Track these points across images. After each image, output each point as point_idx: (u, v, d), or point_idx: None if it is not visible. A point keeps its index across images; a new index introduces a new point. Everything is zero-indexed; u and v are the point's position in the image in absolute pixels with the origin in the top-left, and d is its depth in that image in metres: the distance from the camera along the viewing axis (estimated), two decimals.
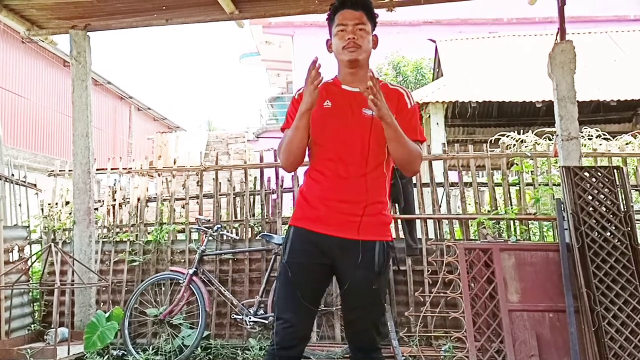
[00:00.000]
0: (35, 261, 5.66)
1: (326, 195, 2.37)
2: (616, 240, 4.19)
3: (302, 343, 2.42)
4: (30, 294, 5.60)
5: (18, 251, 5.47)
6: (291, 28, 17.71)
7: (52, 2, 4.82)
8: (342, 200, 2.35)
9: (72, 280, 5.44)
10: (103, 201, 6.26)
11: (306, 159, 2.50)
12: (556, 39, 4.75)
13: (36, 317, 5.59)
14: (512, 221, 5.28)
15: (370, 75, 2.24)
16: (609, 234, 4.23)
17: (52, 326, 5.20)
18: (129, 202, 6.11)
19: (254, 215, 5.89)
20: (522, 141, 6.78)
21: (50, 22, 5.30)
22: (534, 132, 6.87)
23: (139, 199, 5.97)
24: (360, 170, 2.36)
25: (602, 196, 4.34)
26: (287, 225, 2.52)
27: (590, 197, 4.34)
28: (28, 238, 5.71)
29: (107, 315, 4.76)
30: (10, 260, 5.31)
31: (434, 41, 11.36)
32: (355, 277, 2.36)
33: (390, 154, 2.38)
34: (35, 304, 5.66)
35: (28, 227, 5.80)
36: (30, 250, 5.74)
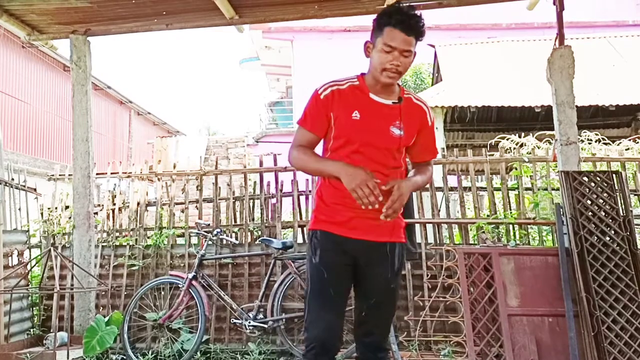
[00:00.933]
0: (34, 265, 5.66)
1: (346, 201, 2.37)
2: (615, 245, 4.20)
3: (339, 343, 2.47)
4: (30, 298, 5.59)
5: (17, 255, 5.47)
6: (291, 33, 17.73)
7: (53, 7, 4.84)
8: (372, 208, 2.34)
9: (72, 285, 5.44)
10: (103, 205, 6.26)
11: None
12: (555, 44, 4.77)
13: (35, 321, 5.58)
14: (511, 226, 5.28)
15: (402, 93, 2.45)
16: (608, 238, 4.23)
17: (51, 330, 5.20)
18: (128, 206, 6.11)
19: (253, 219, 5.89)
20: (521, 145, 6.79)
21: (51, 27, 5.32)
22: (535, 136, 6.88)
23: (138, 204, 5.97)
24: (382, 182, 2.32)
25: (601, 201, 4.34)
26: (310, 230, 2.53)
27: (589, 202, 4.35)
28: (27, 242, 5.71)
29: (106, 319, 4.76)
30: (10, 264, 5.31)
31: (433, 46, 11.37)
32: (376, 276, 2.44)
33: None
34: (34, 308, 5.65)
35: (27, 231, 5.80)
36: (30, 255, 5.74)
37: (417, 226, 5.32)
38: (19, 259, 5.47)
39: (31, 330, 5.44)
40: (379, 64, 2.34)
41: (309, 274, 2.50)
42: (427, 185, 5.48)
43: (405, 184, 2.31)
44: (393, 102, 2.43)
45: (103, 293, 5.54)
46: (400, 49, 2.31)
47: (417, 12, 2.35)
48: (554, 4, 4.78)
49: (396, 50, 2.31)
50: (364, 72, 2.50)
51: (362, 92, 2.44)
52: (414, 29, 2.32)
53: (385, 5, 4.76)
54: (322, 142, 2.54)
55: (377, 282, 2.46)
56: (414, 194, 5.37)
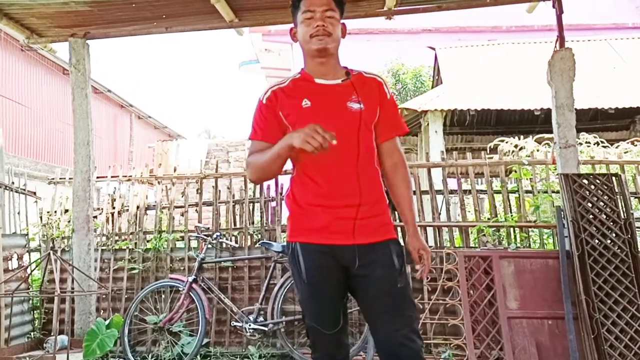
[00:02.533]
0: (34, 269, 5.66)
1: (326, 202, 2.19)
2: (616, 248, 4.20)
3: (347, 352, 2.36)
4: (30, 301, 5.60)
5: (17, 259, 5.47)
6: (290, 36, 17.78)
7: (52, 10, 4.85)
8: (344, 204, 2.18)
9: (72, 288, 5.44)
10: (102, 209, 6.26)
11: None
12: (555, 47, 4.77)
13: (36, 324, 5.58)
14: (511, 228, 5.28)
15: (349, 71, 2.28)
16: (609, 241, 4.23)
17: (51, 334, 5.20)
18: (128, 210, 6.12)
19: (253, 222, 5.89)
20: (521, 148, 6.79)
21: (50, 30, 5.33)
22: (534, 139, 6.88)
23: (138, 207, 5.97)
24: (353, 169, 2.19)
25: (601, 203, 4.35)
26: (288, 242, 2.29)
27: (589, 205, 4.35)
28: (27, 246, 5.71)
29: (106, 322, 4.75)
30: (10, 268, 5.31)
31: (434, 48, 11.39)
32: (378, 281, 2.19)
33: (392, 192, 2.39)
34: (35, 311, 5.65)
35: (27, 235, 5.80)
36: (30, 258, 5.74)
37: (418, 229, 5.30)
38: (18, 263, 5.47)
39: (32, 333, 5.44)
40: (305, 33, 2.26)
41: (300, 294, 2.30)
42: (427, 188, 5.49)
43: (420, 240, 2.37)
44: (342, 80, 2.28)
45: (103, 296, 5.54)
46: (319, 10, 2.23)
47: None
48: (554, 6, 4.79)
49: (316, 12, 2.23)
50: (303, 67, 2.37)
51: (306, 81, 2.30)
52: None
53: (385, 8, 4.76)
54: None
55: (381, 286, 2.18)
56: (414, 197, 5.37)
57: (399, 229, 5.22)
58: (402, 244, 2.33)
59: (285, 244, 5.13)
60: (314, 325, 2.28)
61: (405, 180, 2.39)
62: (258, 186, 5.90)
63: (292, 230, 2.29)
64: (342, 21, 2.34)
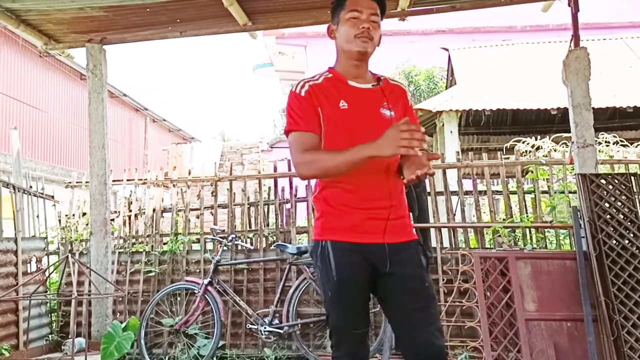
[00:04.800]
0: (52, 272, 5.72)
1: (358, 203, 2.20)
2: (634, 248, 4.14)
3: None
4: (48, 304, 5.65)
5: (36, 262, 5.53)
6: (304, 39, 17.77)
7: (69, 16, 4.90)
8: (371, 206, 2.20)
9: (89, 291, 5.49)
10: (119, 212, 6.31)
11: None
12: (570, 46, 4.73)
13: (54, 327, 5.64)
14: (527, 229, 5.23)
15: (379, 77, 2.29)
16: (626, 241, 4.18)
17: (69, 336, 5.24)
18: (144, 213, 6.16)
19: (268, 225, 5.90)
20: (537, 148, 6.73)
21: (67, 36, 5.38)
22: (551, 138, 6.82)
23: (154, 210, 6.01)
24: (383, 172, 2.22)
25: (619, 204, 4.29)
26: (316, 241, 2.28)
27: (607, 205, 4.29)
28: (46, 249, 5.77)
29: (123, 325, 4.79)
30: (29, 271, 5.37)
31: (447, 50, 11.34)
32: (406, 279, 2.20)
33: None
34: (52, 314, 5.71)
35: (46, 238, 5.86)
36: (48, 261, 5.80)
37: (432, 230, 5.29)
38: (37, 266, 5.53)
39: (49, 336, 5.50)
40: (349, 34, 2.23)
41: (326, 293, 2.26)
42: (442, 189, 5.46)
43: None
44: (373, 85, 2.30)
45: (120, 299, 5.58)
46: (367, 12, 2.22)
47: None
48: (569, 5, 4.75)
49: (363, 13, 2.22)
50: (331, 66, 2.36)
51: (340, 82, 2.29)
52: None
53: (398, 9, 4.75)
54: None
55: (411, 285, 2.19)
56: (429, 199, 5.35)
57: None
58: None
59: (299, 246, 5.18)
60: (342, 323, 2.27)
61: None
62: (273, 188, 5.91)
63: (322, 229, 2.28)
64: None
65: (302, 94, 2.25)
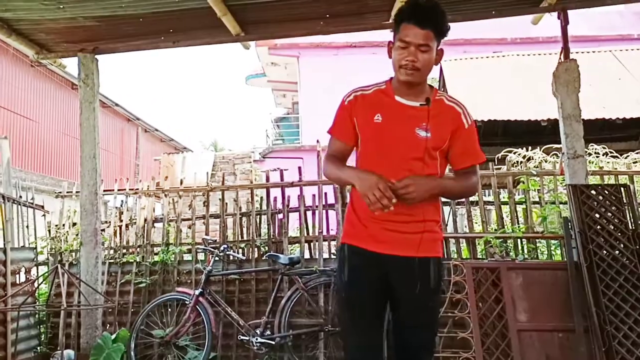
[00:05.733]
0: (41, 283, 5.66)
1: (381, 215, 2.23)
2: (625, 259, 4.16)
3: None
4: (37, 315, 5.59)
5: (25, 273, 5.47)
6: (296, 49, 17.84)
7: (61, 26, 4.89)
8: (397, 219, 2.26)
9: (79, 302, 5.44)
10: (110, 222, 6.27)
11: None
12: (560, 58, 4.77)
13: (42, 339, 5.57)
14: (519, 240, 5.24)
15: (432, 95, 2.34)
16: (617, 252, 4.20)
17: (58, 348, 5.19)
18: (135, 223, 6.12)
19: (260, 235, 5.88)
20: (528, 159, 6.77)
21: (59, 45, 5.37)
22: (542, 149, 6.86)
23: (145, 220, 5.98)
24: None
25: (609, 214, 4.32)
26: (340, 244, 2.45)
27: (597, 215, 4.32)
28: (35, 260, 5.72)
29: (113, 337, 4.75)
30: (17, 282, 5.31)
31: None
32: (411, 295, 2.28)
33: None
34: (41, 325, 5.64)
35: (35, 248, 5.81)
36: (37, 272, 5.74)
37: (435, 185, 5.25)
38: (26, 277, 5.47)
39: (38, 348, 5.43)
40: (396, 61, 2.28)
41: (339, 293, 2.43)
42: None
43: (422, 179, 2.21)
44: (420, 104, 2.30)
45: (110, 310, 5.53)
46: (415, 43, 2.22)
47: (434, 4, 2.27)
48: (559, 18, 4.79)
49: (411, 45, 2.23)
50: (392, 77, 2.41)
51: (387, 95, 2.37)
52: (429, 20, 2.22)
53: (390, 21, 4.78)
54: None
55: (412, 301, 2.30)
56: None
57: None
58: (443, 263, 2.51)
59: (292, 256, 5.17)
60: (348, 322, 2.41)
61: (460, 183, 2.42)
62: (265, 199, 5.90)
63: (345, 233, 2.44)
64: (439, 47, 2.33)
65: (346, 102, 2.42)
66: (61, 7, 4.46)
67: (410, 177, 2.19)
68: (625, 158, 6.34)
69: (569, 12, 4.77)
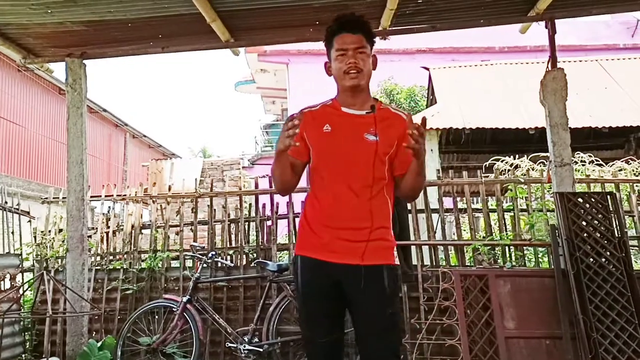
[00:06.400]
0: (27, 289, 5.59)
1: (331, 222, 2.34)
2: (611, 267, 4.19)
3: None
4: (22, 323, 5.52)
5: (10, 279, 5.41)
6: (286, 56, 17.87)
7: (49, 30, 4.86)
8: (347, 227, 2.32)
9: (64, 309, 5.38)
10: (97, 229, 6.22)
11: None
12: (547, 67, 4.81)
13: (27, 346, 5.50)
14: (507, 247, 5.27)
15: (377, 104, 2.41)
16: (603, 259, 4.23)
17: (43, 356, 5.13)
18: (122, 229, 6.08)
19: (248, 242, 5.86)
20: (516, 167, 6.81)
21: (47, 50, 5.33)
22: (529, 157, 6.90)
23: (133, 226, 5.94)
24: (364, 196, 2.33)
25: (596, 222, 4.35)
26: (294, 255, 2.49)
27: (584, 223, 4.35)
28: (20, 266, 5.65)
29: (99, 344, 4.70)
30: (2, 288, 5.25)
31: (428, 69, 11.47)
32: (367, 303, 2.31)
33: (403, 183, 2.42)
34: (26, 333, 5.57)
35: (20, 255, 5.74)
36: (22, 279, 5.68)
37: (413, 248, 5.30)
38: (11, 283, 5.41)
39: (23, 355, 5.36)
40: (339, 69, 2.38)
41: (297, 303, 2.46)
42: (423, 207, 5.49)
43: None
44: (367, 112, 2.41)
45: (96, 317, 5.47)
46: (352, 47, 2.37)
47: (359, 15, 2.47)
48: (546, 27, 4.84)
49: (349, 50, 2.36)
50: (336, 94, 2.52)
51: (334, 109, 2.46)
52: (359, 27, 2.41)
53: (380, 28, 4.80)
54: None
55: (366, 308, 2.31)
56: (410, 216, 5.37)
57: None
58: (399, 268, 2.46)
59: (280, 263, 5.15)
60: (307, 333, 2.47)
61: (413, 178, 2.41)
62: (254, 205, 5.88)
63: (297, 244, 2.49)
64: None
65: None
66: (49, 11, 4.42)
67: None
68: (611, 166, 6.39)
69: (557, 21, 4.82)
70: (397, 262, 2.41)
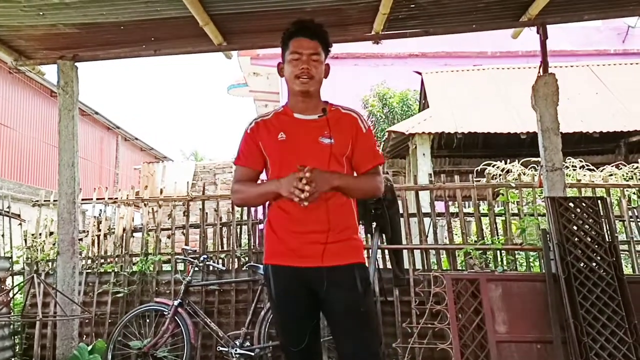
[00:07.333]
0: (17, 293, 5.55)
1: (293, 227, 2.37)
2: (602, 271, 4.20)
3: None
4: (12, 326, 5.48)
5: (0, 282, 5.36)
6: (279, 60, 17.89)
7: (41, 32, 4.83)
8: (310, 230, 2.34)
9: (55, 313, 5.34)
10: (88, 232, 6.19)
11: None
12: (539, 72, 4.84)
13: (17, 350, 5.46)
14: (498, 251, 5.29)
15: (328, 106, 2.44)
16: (594, 264, 4.24)
17: (33, 359, 5.09)
18: (114, 232, 6.05)
19: (240, 245, 5.85)
20: (508, 171, 6.84)
21: (38, 52, 5.30)
22: (521, 162, 6.93)
23: (124, 229, 5.91)
24: (320, 198, 2.31)
25: (587, 226, 4.37)
26: (264, 265, 2.49)
27: (575, 228, 4.36)
28: (10, 269, 5.61)
29: (89, 348, 4.67)
30: None
31: (420, 73, 11.50)
32: (339, 302, 2.34)
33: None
34: (16, 336, 5.54)
35: (11, 258, 5.71)
36: (13, 282, 5.64)
37: (405, 252, 5.30)
38: (1, 286, 5.37)
39: (12, 359, 5.32)
40: (291, 73, 2.42)
41: (272, 311, 2.49)
42: (415, 211, 5.49)
43: (323, 173, 2.30)
44: (319, 116, 2.44)
45: (86, 321, 5.44)
46: (306, 52, 2.39)
47: (319, 23, 2.49)
48: (538, 32, 4.87)
49: (303, 55, 2.39)
50: (287, 102, 2.55)
51: (286, 115, 2.49)
52: (316, 34, 2.44)
53: (372, 33, 4.82)
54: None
55: (342, 308, 2.34)
56: (402, 220, 5.38)
57: (380, 259, 5.21)
58: (368, 268, 2.54)
59: None
60: (283, 340, 2.51)
61: (364, 180, 2.50)
62: (246, 209, 5.87)
63: (266, 253, 2.49)
64: (327, 62, 2.52)
65: (248, 131, 2.53)
66: (41, 13, 4.40)
67: (310, 168, 2.26)
68: (602, 171, 6.43)
69: (548, 27, 4.85)
70: (364, 260, 2.44)
